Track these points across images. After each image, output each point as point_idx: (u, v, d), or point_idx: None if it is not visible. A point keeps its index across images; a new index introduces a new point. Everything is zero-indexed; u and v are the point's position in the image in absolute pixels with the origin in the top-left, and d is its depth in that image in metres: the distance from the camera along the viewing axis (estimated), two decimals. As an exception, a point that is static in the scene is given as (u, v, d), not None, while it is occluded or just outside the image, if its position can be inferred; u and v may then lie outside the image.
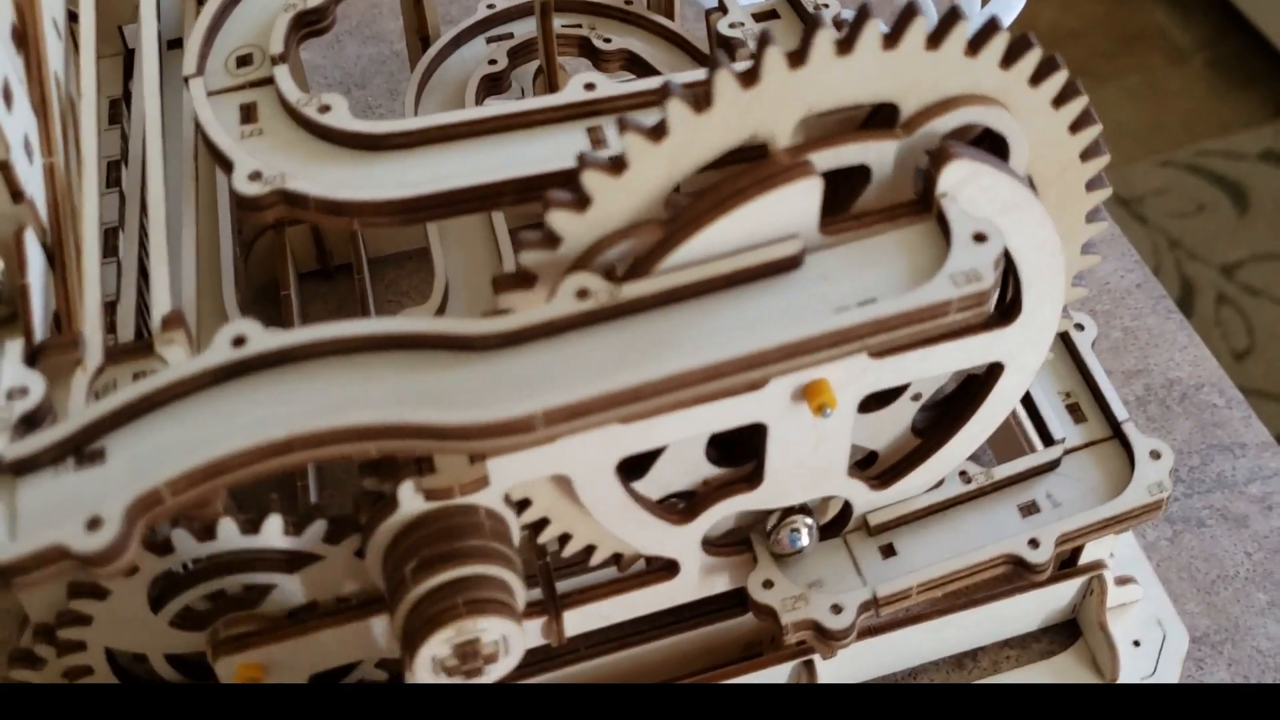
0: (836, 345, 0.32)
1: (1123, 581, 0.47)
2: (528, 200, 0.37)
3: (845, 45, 0.31)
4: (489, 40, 0.52)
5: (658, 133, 0.31)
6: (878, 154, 0.33)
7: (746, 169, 0.33)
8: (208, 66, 0.39)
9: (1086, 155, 0.36)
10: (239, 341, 0.33)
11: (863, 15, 0.31)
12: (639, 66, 0.50)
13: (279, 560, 0.40)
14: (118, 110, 0.50)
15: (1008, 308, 0.38)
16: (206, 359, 0.33)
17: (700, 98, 0.31)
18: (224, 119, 0.38)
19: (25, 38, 0.36)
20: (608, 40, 0.51)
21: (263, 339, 0.33)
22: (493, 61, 0.50)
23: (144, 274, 0.40)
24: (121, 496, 0.31)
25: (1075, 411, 0.45)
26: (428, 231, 0.47)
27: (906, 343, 0.33)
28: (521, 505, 0.39)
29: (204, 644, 0.41)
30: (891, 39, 0.31)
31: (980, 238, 0.32)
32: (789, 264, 0.33)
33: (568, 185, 0.33)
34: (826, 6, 0.40)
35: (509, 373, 0.33)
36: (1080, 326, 0.46)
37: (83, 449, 0.32)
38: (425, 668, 0.37)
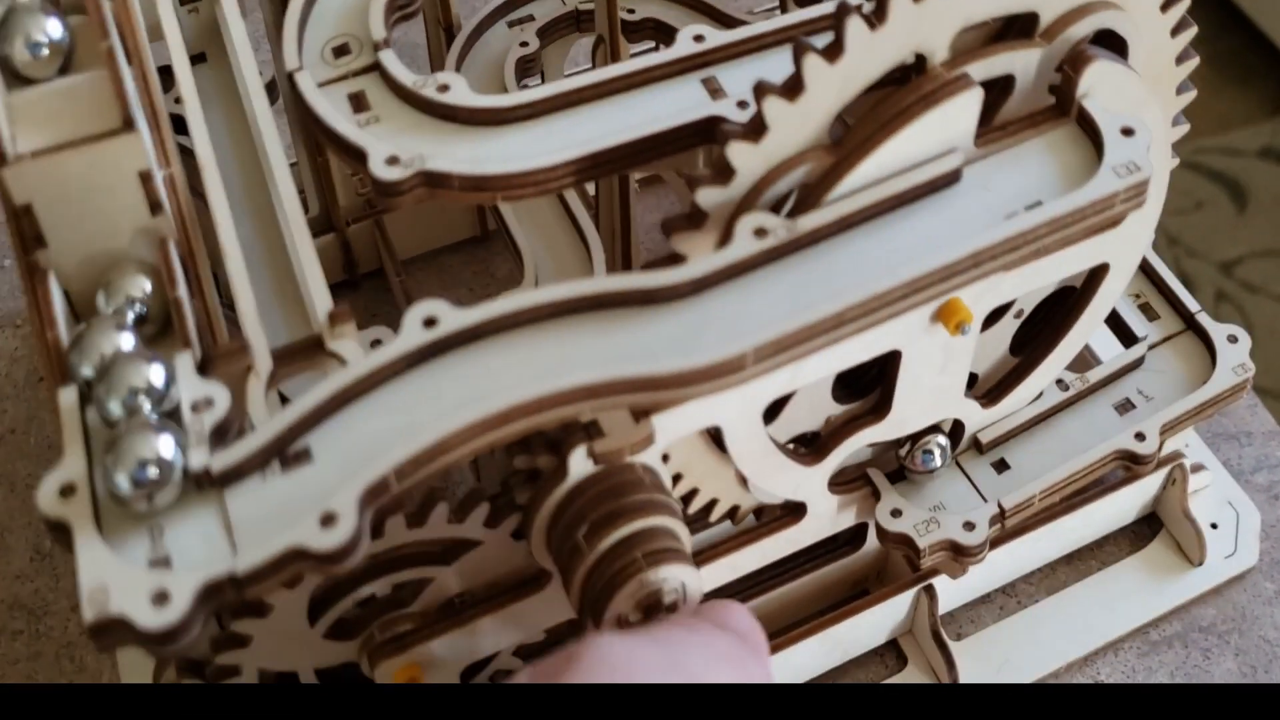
0: (1015, 250, 0.34)
1: (1195, 469, 0.49)
2: (664, 155, 0.37)
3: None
4: (510, 24, 0.52)
5: (834, 52, 0.32)
6: (1023, 63, 0.35)
7: (906, 88, 0.34)
8: (303, 61, 0.39)
9: (1180, 59, 0.38)
10: (430, 322, 0.33)
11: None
12: (667, 34, 0.51)
13: (436, 552, 0.39)
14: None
15: (1117, 208, 0.40)
16: (400, 344, 0.32)
17: (874, 14, 0.32)
18: (336, 110, 0.37)
19: (129, 52, 0.35)
20: (631, 11, 0.51)
21: (455, 317, 0.33)
22: (524, 44, 0.50)
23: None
24: (349, 489, 0.30)
25: (1147, 310, 0.47)
26: (503, 215, 0.47)
27: (1072, 241, 0.34)
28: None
29: (355, 653, 0.41)
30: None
31: (1128, 131, 0.34)
32: (951, 179, 0.35)
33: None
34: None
35: (705, 318, 0.33)
36: (1138, 229, 0.48)
37: (286, 451, 0.32)
38: (613, 627, 0.37)
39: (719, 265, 0.33)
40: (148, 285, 0.34)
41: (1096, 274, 0.41)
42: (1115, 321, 0.46)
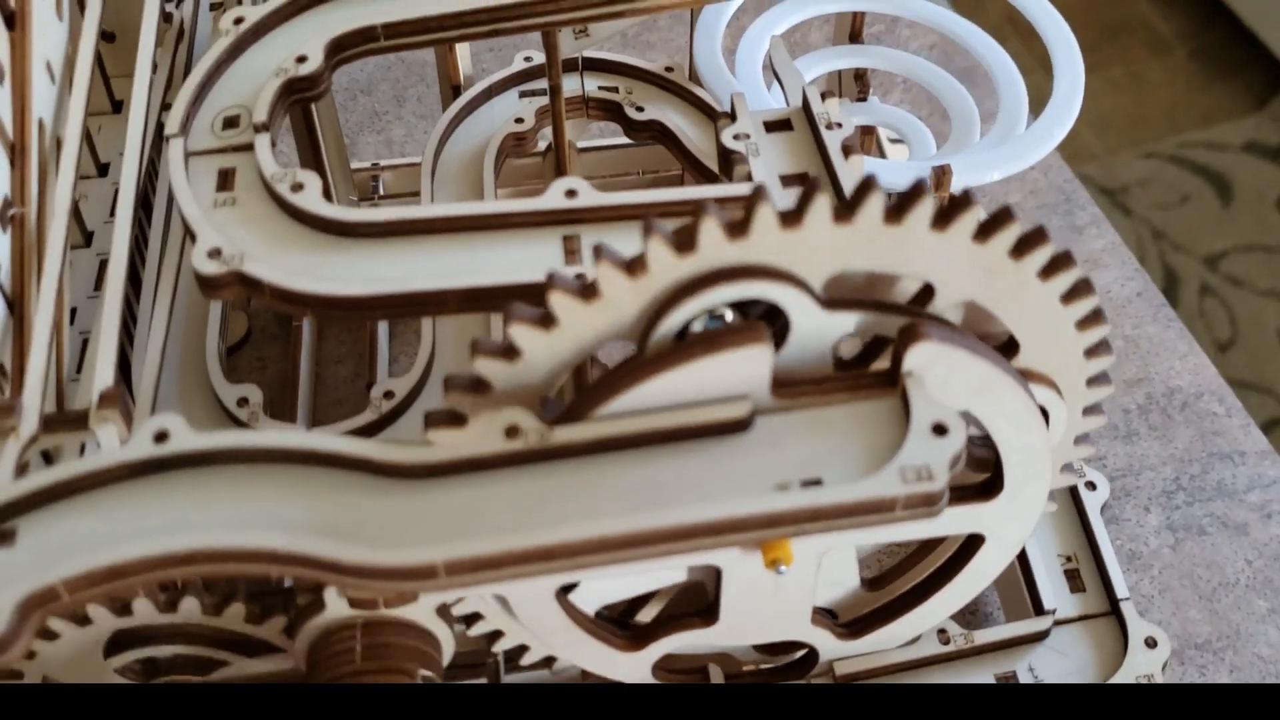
0: (771, 526, 0.30)
1: None
2: (494, 308, 0.35)
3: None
4: (522, 95, 0.50)
5: (634, 268, 0.29)
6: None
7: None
8: (196, 124, 0.38)
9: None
10: (161, 437, 0.32)
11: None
12: (670, 141, 0.48)
13: (238, 643, 0.39)
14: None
15: (990, 483, 0.35)
16: (126, 452, 0.32)
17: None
18: (201, 183, 0.37)
19: (12, 80, 0.36)
20: (640, 110, 0.48)
21: (184, 438, 0.32)
22: (519, 120, 0.48)
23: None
24: (17, 589, 0.30)
25: (1074, 578, 0.41)
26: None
27: (848, 529, 0.30)
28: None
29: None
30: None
31: (940, 429, 0.30)
32: (737, 425, 0.31)
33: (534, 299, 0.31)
34: (839, 126, 0.38)
35: (424, 509, 0.31)
36: (1092, 485, 0.43)
37: (-5, 528, 0.32)
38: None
39: (457, 457, 0.31)
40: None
41: (973, 541, 0.36)
42: (1028, 582, 0.41)
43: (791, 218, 0.28)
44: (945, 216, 0.29)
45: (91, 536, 0.31)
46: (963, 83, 0.49)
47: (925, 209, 0.28)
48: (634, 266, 0.29)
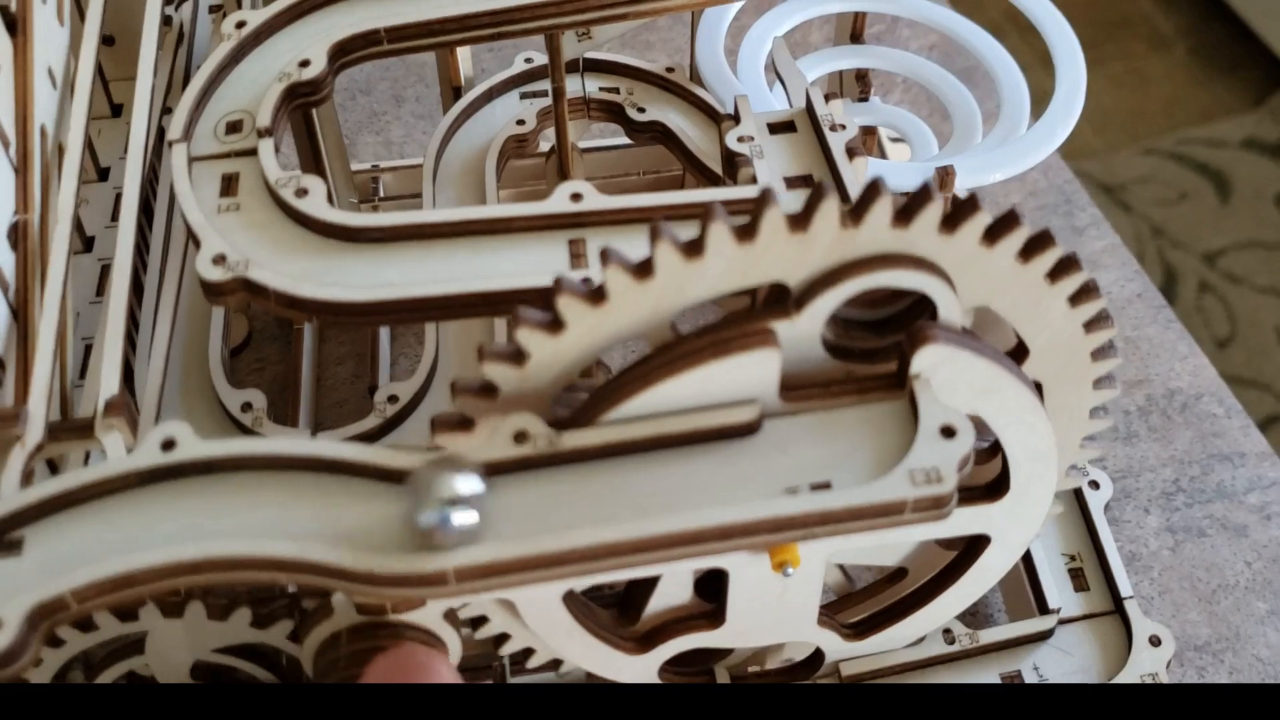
0: (781, 530, 0.30)
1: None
2: (499, 312, 0.35)
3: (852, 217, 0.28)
4: (523, 96, 0.50)
5: (642, 271, 0.29)
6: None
7: (708, 328, 0.30)
8: (199, 129, 0.38)
9: (1090, 326, 0.33)
10: (168, 445, 0.32)
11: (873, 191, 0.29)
12: (671, 142, 0.48)
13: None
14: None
15: (996, 483, 0.35)
16: (134, 460, 0.32)
17: (693, 246, 0.29)
18: (204, 189, 0.37)
19: (14, 86, 0.35)
20: (642, 110, 0.48)
21: (192, 446, 0.32)
22: (520, 122, 0.48)
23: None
24: (26, 599, 0.30)
25: (1078, 577, 0.41)
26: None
27: (857, 531, 0.30)
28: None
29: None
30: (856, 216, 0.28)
31: (949, 432, 0.30)
32: (745, 429, 0.31)
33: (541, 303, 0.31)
34: (843, 128, 0.38)
35: (433, 515, 0.31)
36: (1095, 484, 0.43)
37: (2, 537, 0.32)
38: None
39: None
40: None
41: (978, 542, 0.37)
42: (1033, 581, 0.41)
43: (949, 224, 0.29)
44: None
45: (99, 545, 0.31)
46: (963, 83, 0.49)
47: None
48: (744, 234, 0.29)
